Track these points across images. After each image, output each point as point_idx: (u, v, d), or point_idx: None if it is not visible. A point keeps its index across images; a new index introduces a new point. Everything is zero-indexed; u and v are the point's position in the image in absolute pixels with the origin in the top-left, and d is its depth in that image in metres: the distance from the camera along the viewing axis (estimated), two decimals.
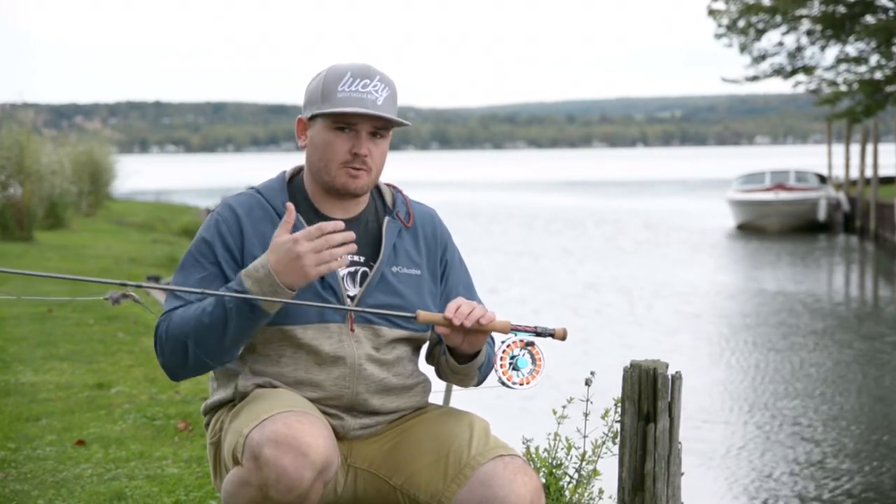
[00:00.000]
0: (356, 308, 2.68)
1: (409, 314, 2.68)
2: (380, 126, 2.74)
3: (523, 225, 32.04)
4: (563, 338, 2.67)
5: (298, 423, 2.49)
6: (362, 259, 2.79)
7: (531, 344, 2.67)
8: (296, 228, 2.73)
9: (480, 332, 2.68)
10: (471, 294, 2.92)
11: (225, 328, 2.59)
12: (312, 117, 2.77)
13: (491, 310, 2.68)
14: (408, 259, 2.83)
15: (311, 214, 2.79)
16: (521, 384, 2.67)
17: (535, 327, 2.68)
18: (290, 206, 2.61)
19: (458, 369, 2.81)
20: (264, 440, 2.47)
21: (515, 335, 2.67)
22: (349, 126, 2.73)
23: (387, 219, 2.84)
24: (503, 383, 2.67)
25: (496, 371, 2.67)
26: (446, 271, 2.91)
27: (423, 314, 2.66)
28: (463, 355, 2.78)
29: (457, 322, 2.63)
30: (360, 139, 2.73)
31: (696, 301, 16.51)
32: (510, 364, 2.66)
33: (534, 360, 2.68)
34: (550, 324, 2.71)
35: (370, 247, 2.81)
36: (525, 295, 17.06)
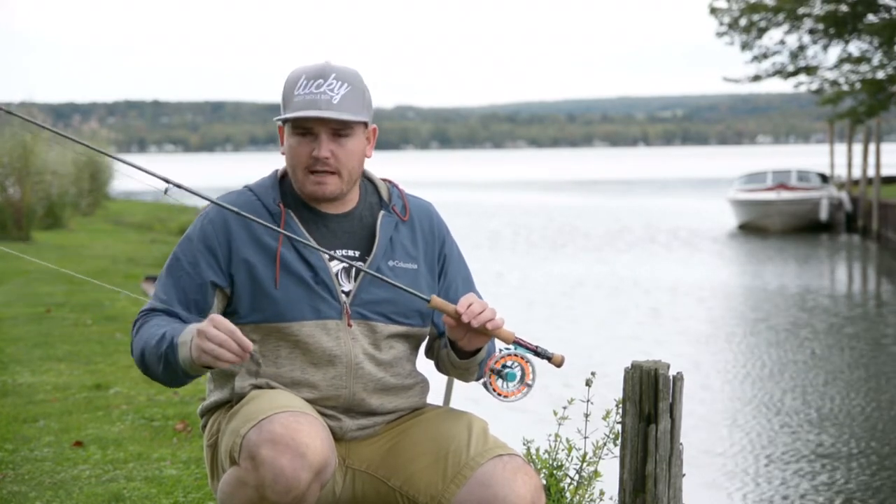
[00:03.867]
0: (374, 273, 2.67)
1: (423, 296, 2.66)
2: (338, 127, 2.71)
3: (523, 224, 32.03)
4: (560, 365, 2.65)
5: (296, 423, 2.48)
6: (357, 254, 2.77)
7: (527, 361, 2.66)
8: (288, 226, 2.73)
9: (483, 334, 2.66)
10: (469, 288, 2.91)
11: (158, 364, 2.59)
12: (286, 122, 2.75)
13: (499, 314, 2.66)
14: (404, 253, 2.81)
15: (304, 211, 2.78)
16: (503, 395, 2.66)
17: (536, 347, 2.66)
18: (249, 345, 2.48)
19: (458, 364, 2.79)
20: (261, 440, 2.46)
21: (515, 348, 2.65)
22: (307, 130, 2.71)
23: (381, 213, 2.82)
24: (487, 389, 2.67)
25: (484, 375, 2.66)
26: (445, 266, 2.89)
27: (436, 299, 2.65)
28: (463, 351, 2.76)
29: (465, 319, 2.61)
30: (319, 142, 2.70)
31: (696, 300, 16.49)
32: (499, 374, 2.65)
33: (522, 378, 2.66)
34: (551, 347, 2.68)
35: (365, 241, 2.79)
36: (522, 294, 17.04)
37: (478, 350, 2.76)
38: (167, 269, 2.75)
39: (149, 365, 2.62)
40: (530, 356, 2.65)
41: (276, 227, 2.67)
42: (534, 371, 2.66)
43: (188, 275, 2.71)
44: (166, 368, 2.57)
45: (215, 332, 2.46)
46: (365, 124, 2.76)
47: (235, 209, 2.72)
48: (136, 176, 2.66)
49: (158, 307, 2.70)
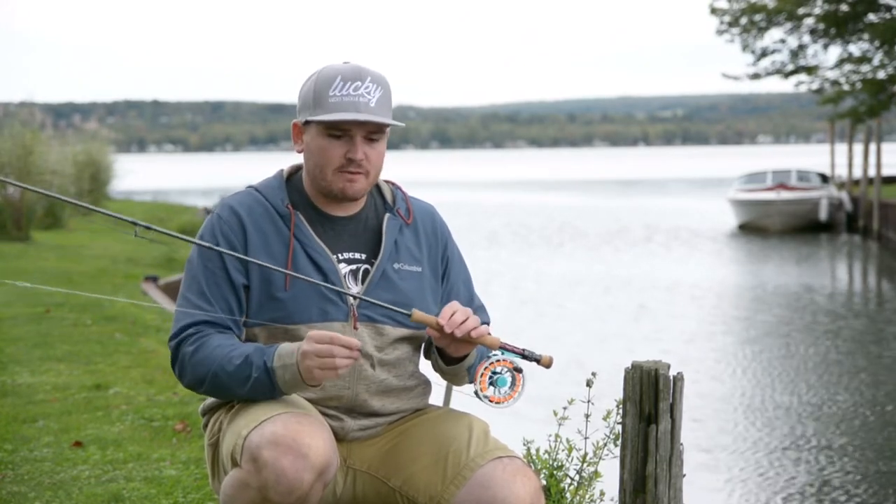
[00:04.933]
0: (357, 295, 2.67)
1: (405, 311, 2.65)
2: (374, 129, 2.71)
3: (523, 224, 32.02)
4: (548, 366, 2.65)
5: (298, 424, 2.47)
6: (363, 256, 2.77)
7: (518, 370, 2.65)
8: (296, 227, 2.73)
9: (469, 342, 2.65)
10: (469, 291, 2.91)
11: (243, 386, 2.58)
12: (307, 122, 2.74)
13: (490, 313, 2.65)
14: (409, 256, 2.81)
15: (311, 212, 2.77)
16: (495, 401, 2.65)
17: (524, 350, 2.65)
18: (355, 342, 2.50)
19: (447, 369, 2.80)
20: (264, 442, 2.45)
21: (503, 353, 2.64)
22: (343, 132, 2.70)
23: (387, 215, 2.82)
24: (478, 396, 2.65)
25: (475, 382, 2.65)
26: (448, 269, 2.89)
27: (417, 314, 2.63)
28: (451, 357, 2.76)
29: (448, 330, 2.61)
30: (354, 144, 2.70)
31: (692, 299, 16.48)
32: (489, 380, 2.64)
33: (513, 383, 2.65)
34: (541, 346, 2.68)
35: (371, 244, 2.79)
36: (517, 293, 17.03)
37: (465, 356, 2.76)
38: (197, 277, 2.70)
39: (225, 388, 2.60)
40: (518, 360, 2.64)
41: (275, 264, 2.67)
42: (523, 375, 2.65)
43: (223, 280, 2.69)
44: (255, 391, 2.57)
45: (320, 347, 2.48)
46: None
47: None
48: (105, 219, 2.64)
49: (208, 319, 2.67)
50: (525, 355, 2.64)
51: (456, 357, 2.75)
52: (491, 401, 2.64)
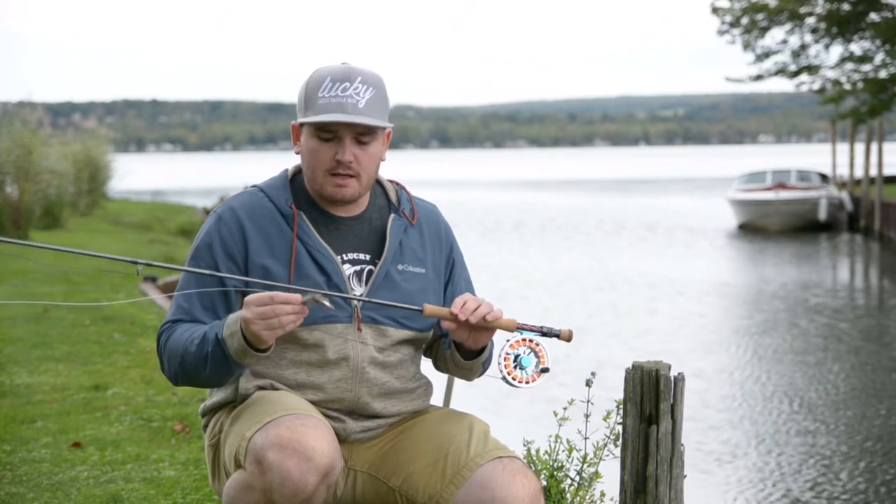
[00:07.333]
0: (363, 298, 2.65)
1: (415, 307, 2.64)
2: (363, 131, 2.69)
3: (523, 223, 32.03)
4: (569, 339, 2.65)
5: (303, 426, 2.47)
6: (367, 257, 2.76)
7: (537, 344, 2.65)
8: (300, 227, 2.71)
9: (486, 329, 2.64)
10: (471, 290, 2.90)
11: (204, 366, 2.57)
12: (301, 124, 2.73)
13: (497, 307, 2.64)
14: (413, 257, 2.80)
15: (315, 212, 2.76)
16: (526, 382, 2.65)
17: (542, 327, 2.66)
18: (296, 297, 2.48)
19: (463, 365, 2.78)
20: (268, 444, 2.44)
21: (521, 334, 2.64)
22: (332, 133, 2.68)
23: (392, 216, 2.81)
24: (507, 382, 2.65)
25: (500, 370, 2.65)
26: (453, 271, 2.89)
27: (429, 307, 2.63)
28: (469, 351, 2.75)
29: (462, 318, 2.60)
30: (343, 146, 2.68)
31: (694, 300, 16.48)
32: (514, 363, 2.63)
33: (538, 361, 2.65)
34: (556, 325, 2.67)
35: (375, 245, 2.78)
36: (523, 292, 17.03)
37: (483, 349, 2.75)
38: (187, 276, 2.71)
39: (191, 370, 2.60)
40: (538, 338, 2.64)
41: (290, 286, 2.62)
42: (546, 351, 2.66)
43: (212, 282, 2.68)
44: (215, 367, 2.56)
45: (263, 309, 2.45)
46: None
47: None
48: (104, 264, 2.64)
49: (184, 318, 2.67)
50: (544, 332, 2.65)
51: (475, 350, 2.74)
52: (521, 382, 2.64)
